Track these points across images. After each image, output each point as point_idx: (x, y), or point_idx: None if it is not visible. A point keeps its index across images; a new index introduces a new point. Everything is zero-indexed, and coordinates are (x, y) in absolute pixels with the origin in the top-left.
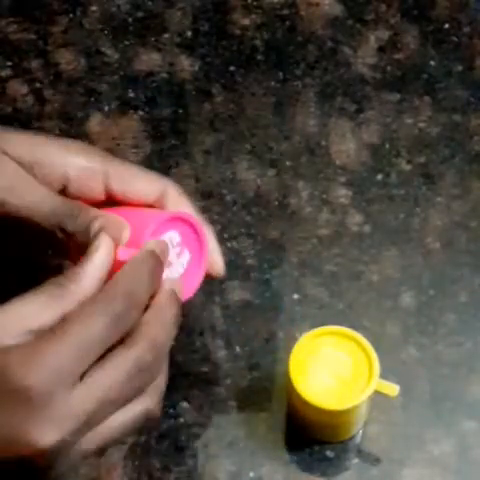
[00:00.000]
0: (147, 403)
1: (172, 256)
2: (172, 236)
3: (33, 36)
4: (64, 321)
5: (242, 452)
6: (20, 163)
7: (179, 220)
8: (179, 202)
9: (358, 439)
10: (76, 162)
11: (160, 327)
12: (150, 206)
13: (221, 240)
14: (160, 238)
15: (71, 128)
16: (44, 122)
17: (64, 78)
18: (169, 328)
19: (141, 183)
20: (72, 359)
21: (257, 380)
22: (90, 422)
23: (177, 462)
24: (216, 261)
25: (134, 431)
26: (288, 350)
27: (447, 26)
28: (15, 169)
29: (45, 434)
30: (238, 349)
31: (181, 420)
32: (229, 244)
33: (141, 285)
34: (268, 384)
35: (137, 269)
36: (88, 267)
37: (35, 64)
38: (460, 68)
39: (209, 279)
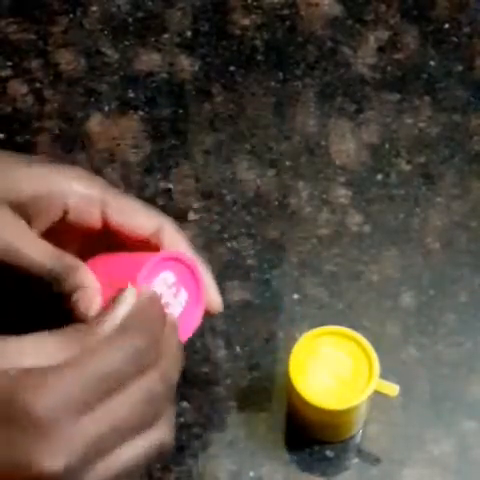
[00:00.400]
0: (159, 435)
1: (169, 297)
2: (166, 277)
3: (33, 36)
4: (80, 354)
5: (242, 452)
6: (20, 202)
7: (173, 260)
8: (175, 239)
9: (358, 439)
10: (75, 190)
11: (169, 358)
12: (145, 241)
13: (221, 240)
14: (154, 280)
15: (71, 128)
16: (44, 122)
17: (64, 78)
18: (177, 359)
19: (139, 217)
20: (84, 388)
21: (257, 380)
22: (99, 450)
23: (177, 462)
24: (213, 298)
25: (147, 463)
26: (288, 350)
27: (447, 26)
28: (14, 223)
29: (52, 459)
30: (238, 349)
31: (181, 420)
32: (229, 244)
33: (157, 322)
34: (268, 384)
35: (151, 307)
36: (112, 315)
37: (35, 64)
38: (460, 68)
39: (208, 316)
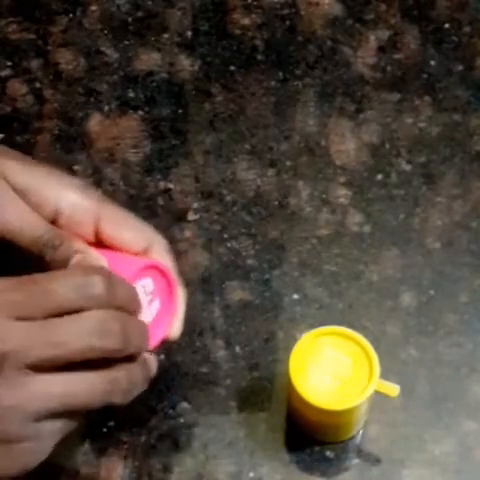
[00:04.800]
0: (109, 377)
1: (143, 302)
2: (146, 284)
3: (33, 36)
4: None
5: (242, 452)
6: (14, 189)
7: (156, 269)
8: (163, 258)
9: (358, 439)
10: (70, 198)
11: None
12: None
13: (221, 240)
14: (136, 283)
15: (71, 128)
16: (44, 122)
17: (64, 78)
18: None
19: (130, 232)
20: (27, 297)
21: (257, 380)
22: (32, 363)
23: (177, 462)
24: (176, 325)
25: (87, 404)
26: (288, 350)
27: (447, 26)
28: (7, 191)
29: None
30: (238, 349)
31: (181, 420)
32: (229, 244)
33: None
34: (268, 384)
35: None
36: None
37: (35, 64)
38: (460, 68)
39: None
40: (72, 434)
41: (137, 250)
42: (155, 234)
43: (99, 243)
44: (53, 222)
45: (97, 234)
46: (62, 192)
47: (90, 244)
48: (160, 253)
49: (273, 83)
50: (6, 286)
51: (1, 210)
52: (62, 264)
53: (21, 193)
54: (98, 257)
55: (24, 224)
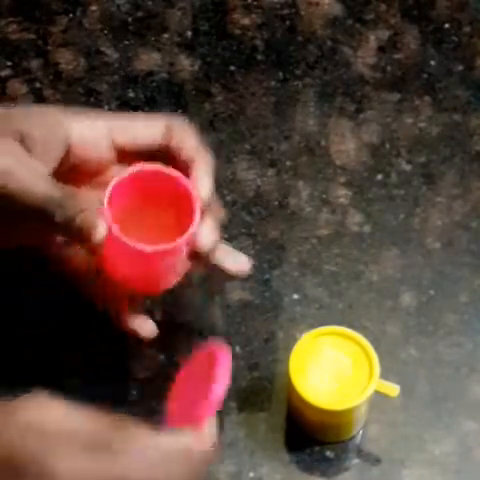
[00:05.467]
0: None
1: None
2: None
3: (33, 36)
4: None
5: (242, 452)
6: (22, 137)
7: None
8: (184, 137)
9: (358, 439)
10: (78, 123)
11: None
12: (158, 150)
13: (221, 240)
14: None
15: None
16: None
17: (64, 78)
18: None
19: (142, 128)
20: None
21: (257, 380)
22: None
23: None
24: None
25: None
26: (288, 350)
27: (447, 26)
28: (16, 151)
29: None
30: (238, 349)
31: None
32: (229, 244)
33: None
34: (268, 384)
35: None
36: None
37: (35, 64)
38: (460, 68)
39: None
40: None
41: (158, 139)
42: (169, 117)
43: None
44: (67, 155)
45: (116, 148)
46: (68, 122)
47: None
48: (182, 133)
49: (273, 83)
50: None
51: (15, 170)
52: (69, 223)
53: (30, 136)
54: (98, 218)
55: (37, 184)
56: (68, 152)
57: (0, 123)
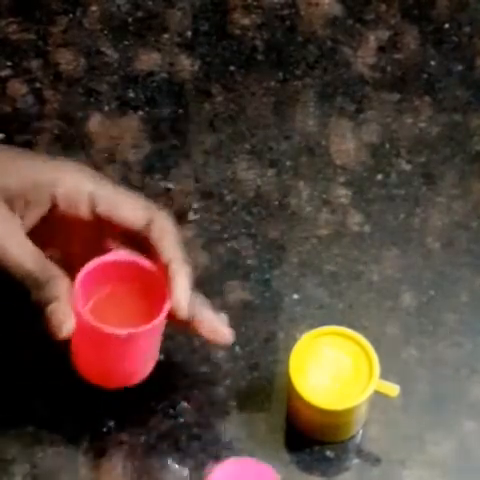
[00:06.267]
0: None
1: None
2: None
3: (33, 36)
4: None
5: (242, 452)
6: (8, 194)
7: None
8: (166, 233)
9: (358, 439)
10: (63, 181)
11: None
12: (136, 235)
13: (221, 240)
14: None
15: (71, 128)
16: (44, 122)
17: (64, 78)
18: None
19: (127, 210)
20: None
21: (257, 380)
22: None
23: (177, 462)
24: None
25: None
26: (288, 350)
27: (447, 26)
28: (7, 220)
29: None
30: (238, 349)
31: (181, 420)
32: (229, 244)
33: None
34: (268, 384)
35: None
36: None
37: (35, 64)
38: (460, 68)
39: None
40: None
41: (137, 227)
42: (156, 210)
43: (99, 234)
44: (51, 213)
45: (95, 215)
46: (55, 179)
47: (91, 245)
48: (161, 230)
49: (273, 83)
50: None
51: (4, 240)
52: (40, 306)
53: (19, 193)
54: (68, 312)
55: (20, 256)
56: (51, 209)
57: None
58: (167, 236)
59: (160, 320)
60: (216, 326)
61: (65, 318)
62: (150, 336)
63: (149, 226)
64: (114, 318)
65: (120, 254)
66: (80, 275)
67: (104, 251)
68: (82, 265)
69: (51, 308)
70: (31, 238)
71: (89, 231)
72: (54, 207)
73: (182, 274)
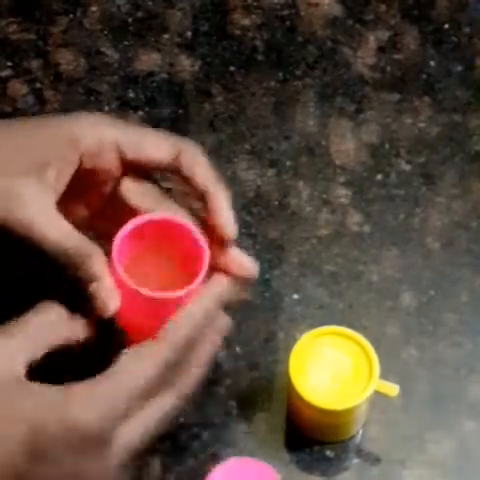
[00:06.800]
0: (175, 394)
1: None
2: None
3: (33, 36)
4: (119, 364)
5: (242, 452)
6: (37, 167)
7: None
8: (194, 162)
9: (358, 439)
10: (87, 137)
11: (184, 329)
12: (167, 170)
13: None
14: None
15: None
16: None
17: (64, 78)
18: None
19: (154, 147)
20: (125, 401)
21: (257, 380)
22: (128, 410)
23: (177, 462)
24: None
25: (167, 422)
26: (288, 350)
27: (447, 26)
28: (40, 198)
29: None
30: (238, 349)
31: (181, 420)
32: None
33: (194, 338)
34: (268, 384)
35: (191, 322)
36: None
37: (35, 64)
38: (460, 68)
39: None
40: None
41: (167, 162)
42: (181, 141)
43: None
44: (80, 165)
45: (124, 162)
46: (79, 134)
47: (114, 216)
48: (192, 158)
49: (273, 83)
50: None
51: (34, 222)
52: (81, 284)
53: (47, 151)
54: (111, 290)
55: (54, 233)
56: (79, 165)
57: (17, 154)
58: (198, 163)
59: (202, 277)
60: (242, 259)
61: (109, 296)
62: (185, 299)
63: (178, 158)
64: (153, 278)
65: (154, 216)
66: (117, 240)
67: (134, 212)
68: (115, 224)
69: (93, 288)
70: (62, 203)
71: (119, 184)
72: (81, 164)
73: (221, 195)
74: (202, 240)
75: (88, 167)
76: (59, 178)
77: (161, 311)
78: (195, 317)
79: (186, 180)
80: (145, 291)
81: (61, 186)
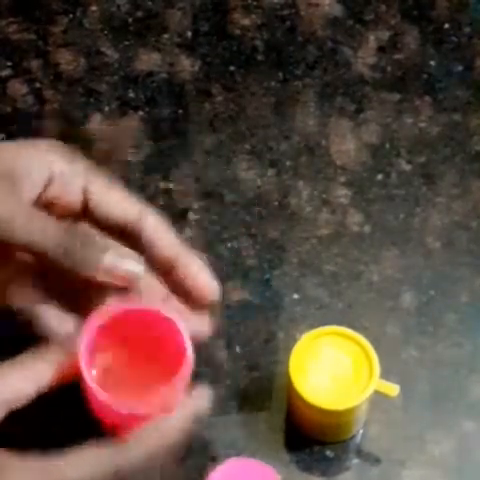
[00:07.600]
0: None
1: None
2: None
3: (33, 36)
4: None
5: (242, 452)
6: (6, 173)
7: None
8: (157, 229)
9: (358, 439)
10: (61, 160)
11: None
12: (123, 230)
13: (221, 240)
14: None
15: (71, 128)
16: (44, 122)
17: (64, 78)
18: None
19: (121, 201)
20: None
21: (257, 380)
22: None
23: (177, 462)
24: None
25: None
26: (288, 350)
27: (447, 26)
28: (21, 204)
29: None
30: (238, 349)
31: None
32: (229, 244)
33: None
34: (268, 384)
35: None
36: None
37: (35, 64)
38: (460, 68)
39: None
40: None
41: (129, 220)
42: (147, 208)
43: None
44: (44, 190)
45: (85, 202)
46: (53, 157)
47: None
48: (156, 224)
49: (273, 83)
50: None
51: (13, 219)
52: (84, 270)
53: (17, 166)
54: (126, 255)
55: (45, 232)
56: (46, 186)
57: None
58: (163, 229)
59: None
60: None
61: (126, 260)
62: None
63: (140, 222)
64: (124, 384)
65: (124, 306)
66: (83, 339)
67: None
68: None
69: (107, 259)
70: None
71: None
72: (47, 189)
73: (193, 258)
74: (186, 337)
75: (52, 192)
76: (24, 189)
77: (133, 420)
78: (162, 436)
79: (144, 245)
80: (117, 407)
81: (31, 195)
